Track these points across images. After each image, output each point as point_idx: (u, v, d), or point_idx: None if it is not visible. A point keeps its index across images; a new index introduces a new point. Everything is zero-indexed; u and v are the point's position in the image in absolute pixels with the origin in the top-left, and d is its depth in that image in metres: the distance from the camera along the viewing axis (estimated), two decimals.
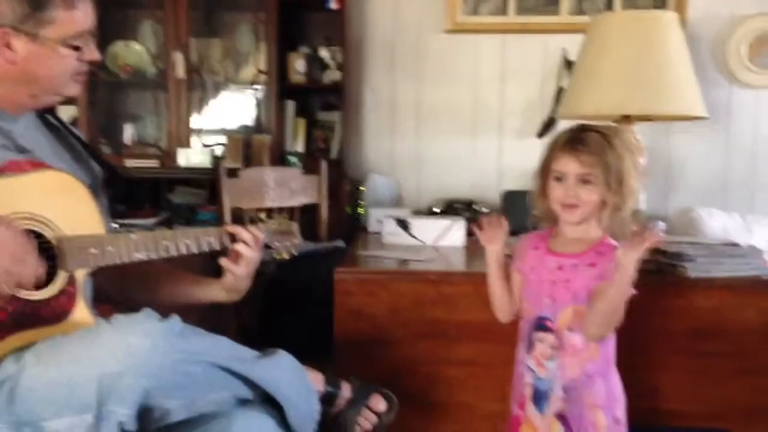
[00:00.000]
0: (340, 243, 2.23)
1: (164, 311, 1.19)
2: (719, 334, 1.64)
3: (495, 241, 1.52)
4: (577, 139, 1.43)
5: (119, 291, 1.46)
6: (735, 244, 1.77)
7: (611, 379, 1.44)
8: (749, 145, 2.94)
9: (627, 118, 2.38)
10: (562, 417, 1.42)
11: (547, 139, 1.51)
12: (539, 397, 1.44)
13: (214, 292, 1.49)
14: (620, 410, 1.44)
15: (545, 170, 1.46)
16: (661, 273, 1.70)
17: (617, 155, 1.40)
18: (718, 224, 2.47)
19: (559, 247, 1.46)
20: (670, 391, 1.65)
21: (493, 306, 1.55)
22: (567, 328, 1.42)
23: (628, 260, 1.31)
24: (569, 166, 1.41)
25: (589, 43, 2.40)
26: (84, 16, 1.30)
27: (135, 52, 2.94)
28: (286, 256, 1.56)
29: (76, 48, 1.29)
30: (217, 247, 1.42)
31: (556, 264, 1.44)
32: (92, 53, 1.33)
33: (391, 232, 2.20)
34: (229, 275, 1.45)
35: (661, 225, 2.41)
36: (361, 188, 2.88)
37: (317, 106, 3.07)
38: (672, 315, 1.65)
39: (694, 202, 2.77)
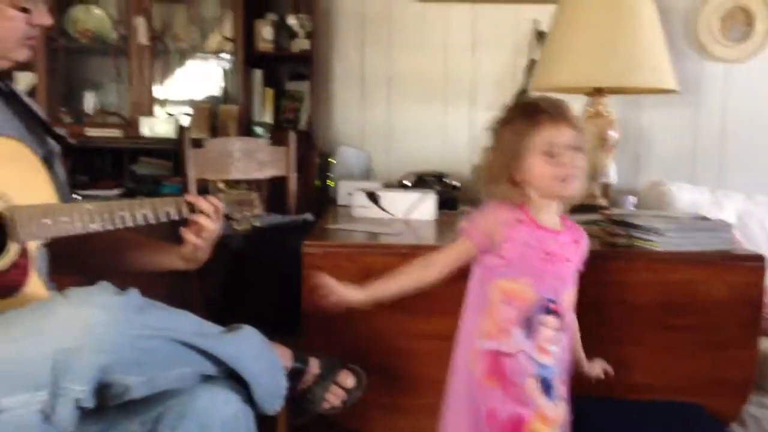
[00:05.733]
0: (309, 216, 2.18)
1: (125, 283, 1.15)
2: (688, 307, 1.64)
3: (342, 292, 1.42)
4: (561, 107, 1.34)
5: (77, 261, 1.41)
6: (704, 218, 1.77)
7: None
8: (719, 119, 2.94)
9: (599, 91, 2.36)
10: (563, 401, 1.38)
11: (503, 115, 1.39)
12: (547, 387, 1.34)
13: (172, 259, 1.45)
14: None
15: (523, 148, 1.33)
16: (631, 247, 1.69)
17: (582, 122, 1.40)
18: (688, 198, 2.47)
19: (543, 224, 1.37)
20: (638, 365, 1.65)
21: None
22: (569, 308, 1.39)
23: None
24: (565, 135, 1.31)
25: (560, 14, 2.37)
26: None
27: (96, 17, 2.83)
28: (247, 227, 1.51)
29: (25, 10, 1.22)
30: (176, 217, 1.38)
31: (556, 242, 1.36)
32: (43, 17, 1.26)
33: (360, 205, 2.16)
34: (188, 245, 1.41)
35: (632, 199, 2.41)
36: (331, 160, 2.83)
37: (286, 76, 3.00)
38: (641, 288, 1.65)
39: (663, 175, 2.78)
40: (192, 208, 1.38)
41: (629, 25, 2.27)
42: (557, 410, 1.35)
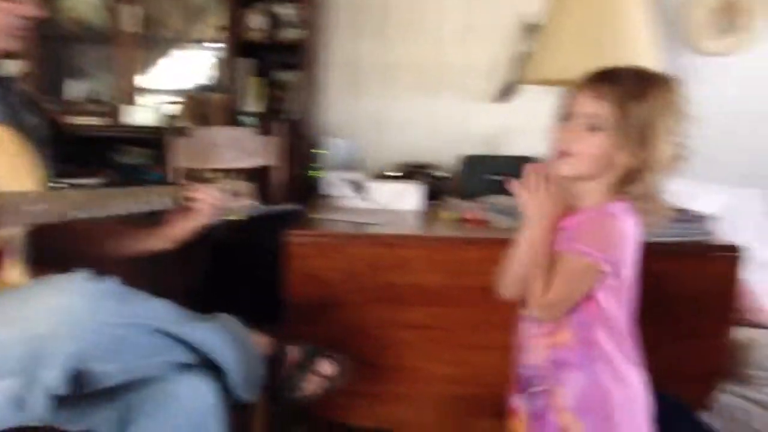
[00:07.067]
0: (299, 206, 2.18)
1: (105, 272, 1.14)
2: (662, 299, 1.63)
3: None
4: (607, 75, 1.16)
5: (60, 248, 1.41)
6: (683, 210, 1.78)
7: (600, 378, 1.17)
8: (705, 113, 2.92)
9: None
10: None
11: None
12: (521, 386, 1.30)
13: (161, 242, 1.45)
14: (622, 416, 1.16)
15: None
16: None
17: (651, 106, 1.13)
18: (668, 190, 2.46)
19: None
20: None
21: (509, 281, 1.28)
22: None
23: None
24: (579, 103, 1.16)
25: (551, 6, 2.36)
26: None
27: (83, 4, 2.81)
28: (240, 217, 1.53)
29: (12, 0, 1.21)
30: (162, 207, 1.38)
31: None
32: (30, 9, 1.25)
33: (346, 195, 2.16)
34: (181, 231, 1.42)
35: None
36: (320, 151, 2.82)
37: (275, 65, 2.99)
38: None
39: None
40: (186, 198, 1.39)
41: (618, 18, 2.26)
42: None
